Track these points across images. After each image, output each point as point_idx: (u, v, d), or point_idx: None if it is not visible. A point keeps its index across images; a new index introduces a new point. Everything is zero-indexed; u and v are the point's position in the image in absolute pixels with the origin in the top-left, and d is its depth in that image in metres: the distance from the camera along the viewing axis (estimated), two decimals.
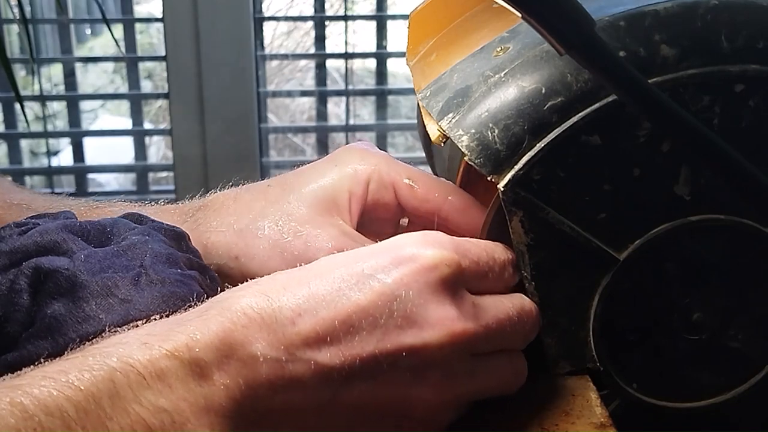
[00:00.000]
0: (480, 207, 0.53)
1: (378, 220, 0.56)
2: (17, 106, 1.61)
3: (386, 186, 0.54)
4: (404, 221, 0.57)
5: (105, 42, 2.24)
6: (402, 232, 0.49)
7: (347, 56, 1.71)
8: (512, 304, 0.44)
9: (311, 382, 0.38)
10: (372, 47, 1.77)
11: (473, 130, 0.46)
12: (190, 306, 0.41)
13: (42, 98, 1.72)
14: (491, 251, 0.45)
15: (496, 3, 0.39)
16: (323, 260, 0.42)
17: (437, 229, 0.45)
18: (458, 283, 0.41)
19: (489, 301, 0.43)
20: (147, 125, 1.97)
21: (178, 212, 0.54)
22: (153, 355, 0.36)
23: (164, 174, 2.04)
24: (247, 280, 0.41)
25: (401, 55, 1.69)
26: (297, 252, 0.51)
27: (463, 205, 0.53)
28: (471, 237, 0.49)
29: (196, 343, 0.36)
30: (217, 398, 0.36)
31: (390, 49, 1.72)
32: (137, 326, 0.39)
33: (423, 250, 0.41)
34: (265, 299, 0.39)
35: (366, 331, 0.39)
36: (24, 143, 1.84)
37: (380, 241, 0.44)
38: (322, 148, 1.83)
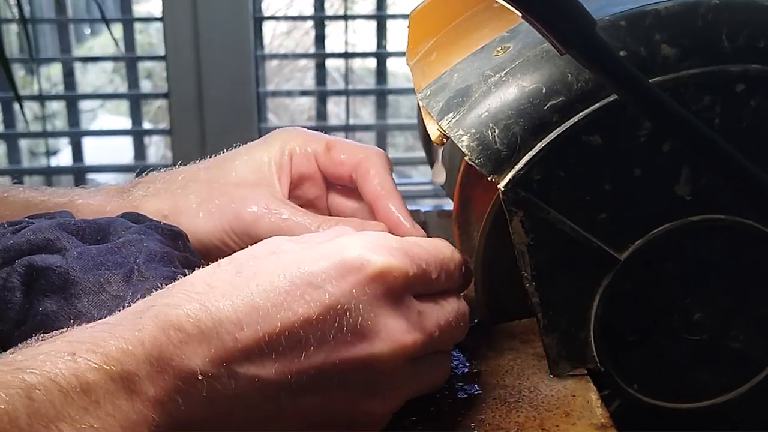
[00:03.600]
0: (381, 172, 0.54)
1: (309, 202, 0.57)
2: (16, 105, 1.61)
3: (308, 158, 0.56)
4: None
5: (104, 42, 2.23)
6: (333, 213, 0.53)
7: (347, 56, 1.71)
8: (451, 308, 0.43)
9: (255, 398, 0.37)
10: (372, 47, 1.77)
11: (473, 130, 0.46)
12: None
13: (41, 98, 1.72)
14: (439, 254, 0.44)
15: (497, 2, 0.38)
16: (263, 262, 0.40)
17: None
18: (405, 290, 0.41)
19: (431, 308, 0.42)
20: (146, 125, 1.96)
21: (115, 190, 0.57)
22: (79, 369, 0.34)
23: None
24: None
25: (401, 54, 1.69)
26: (224, 209, 0.52)
27: (368, 167, 0.55)
28: (382, 193, 0.53)
29: (127, 357, 0.35)
30: (151, 413, 0.35)
31: (390, 48, 1.72)
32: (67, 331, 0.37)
33: (370, 257, 0.40)
34: (203, 310, 0.37)
35: (314, 347, 0.38)
36: (23, 143, 1.83)
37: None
38: None
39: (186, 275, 0.44)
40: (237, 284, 0.38)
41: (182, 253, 0.47)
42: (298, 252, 0.40)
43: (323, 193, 0.57)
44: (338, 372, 0.38)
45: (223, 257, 0.50)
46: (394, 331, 0.40)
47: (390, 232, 0.53)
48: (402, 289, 0.40)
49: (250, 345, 0.36)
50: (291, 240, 0.42)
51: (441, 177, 0.55)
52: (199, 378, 0.36)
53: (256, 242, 0.51)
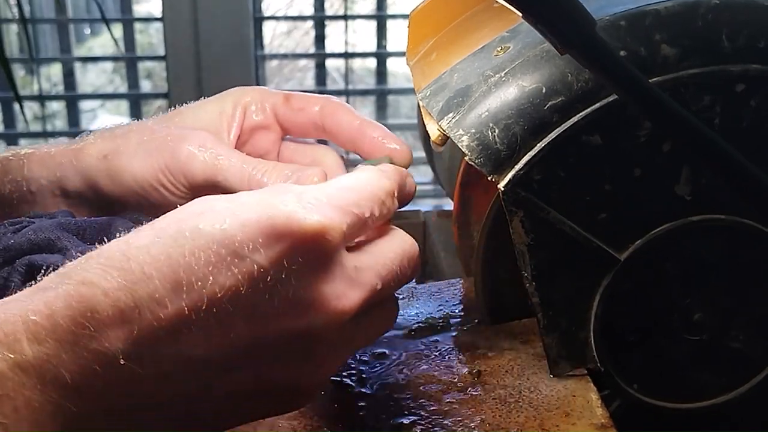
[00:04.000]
0: (348, 109, 0.53)
1: (262, 154, 0.56)
2: (16, 105, 1.61)
3: (264, 111, 0.55)
4: None
5: (104, 42, 2.23)
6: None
7: (347, 56, 1.71)
8: (393, 253, 0.41)
9: (182, 376, 0.35)
10: (372, 47, 1.77)
11: (473, 130, 0.46)
12: None
13: (41, 98, 1.72)
14: (367, 188, 0.41)
15: (497, 2, 0.38)
16: (185, 224, 0.36)
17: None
18: (340, 248, 0.38)
19: (369, 259, 0.40)
20: None
21: (65, 141, 0.55)
22: None
23: None
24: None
25: (401, 54, 1.69)
26: (161, 147, 0.51)
27: (333, 109, 0.53)
28: (350, 135, 0.51)
29: (39, 344, 0.32)
30: (67, 403, 0.32)
31: (390, 48, 1.72)
32: None
33: (301, 218, 0.36)
34: (122, 288, 0.33)
35: (243, 321, 0.35)
36: (23, 143, 1.83)
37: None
38: None
39: None
40: (156, 254, 0.34)
41: None
42: (223, 213, 0.36)
43: (275, 148, 0.56)
44: (271, 346, 0.36)
45: (163, 202, 0.49)
46: (329, 298, 0.37)
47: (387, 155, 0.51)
48: (336, 248, 0.37)
49: (174, 323, 0.34)
50: (221, 198, 0.38)
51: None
52: (121, 363, 0.33)
53: (191, 184, 0.50)
